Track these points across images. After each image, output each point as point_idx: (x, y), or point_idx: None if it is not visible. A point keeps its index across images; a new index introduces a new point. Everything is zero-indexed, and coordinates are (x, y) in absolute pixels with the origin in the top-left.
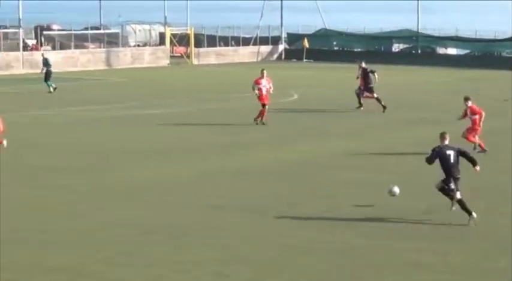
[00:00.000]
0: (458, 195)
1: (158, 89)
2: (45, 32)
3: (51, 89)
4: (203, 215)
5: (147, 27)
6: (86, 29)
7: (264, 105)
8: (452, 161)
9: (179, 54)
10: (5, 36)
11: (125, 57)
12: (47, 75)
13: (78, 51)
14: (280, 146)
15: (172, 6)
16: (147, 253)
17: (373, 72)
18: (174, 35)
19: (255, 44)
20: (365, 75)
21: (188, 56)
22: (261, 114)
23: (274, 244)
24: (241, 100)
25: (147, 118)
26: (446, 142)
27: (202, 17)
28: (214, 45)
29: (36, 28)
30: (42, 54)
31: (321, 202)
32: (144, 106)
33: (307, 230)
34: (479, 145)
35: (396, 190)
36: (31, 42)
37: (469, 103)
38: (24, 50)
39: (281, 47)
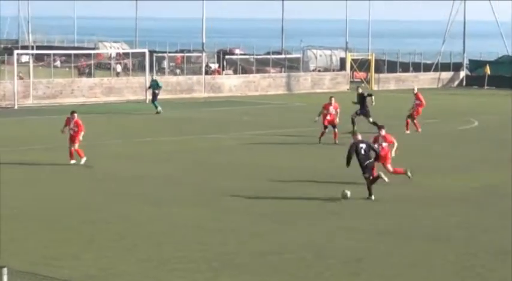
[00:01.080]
0: (365, 176)
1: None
2: (227, 56)
3: (159, 110)
4: (375, 241)
5: (327, 52)
6: (268, 53)
7: (325, 127)
8: (363, 152)
9: (359, 80)
10: (189, 60)
11: (305, 82)
12: (154, 97)
13: (259, 75)
14: (462, 173)
15: (353, 32)
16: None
17: (370, 95)
18: (354, 61)
19: (436, 70)
20: (361, 99)
21: (368, 82)
22: (322, 134)
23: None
24: (422, 127)
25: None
26: (359, 138)
27: (383, 43)
28: (395, 71)
29: (219, 52)
30: (152, 76)
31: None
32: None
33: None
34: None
35: (347, 192)
36: (213, 66)
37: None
38: (206, 73)
39: (462, 73)
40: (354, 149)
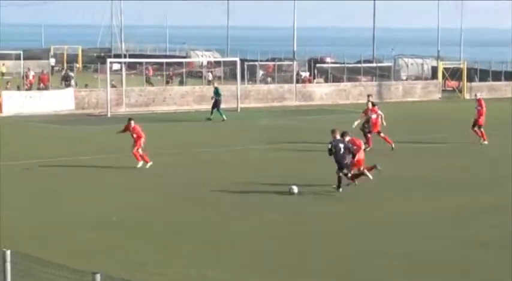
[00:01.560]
0: (343, 172)
1: (428, 123)
2: (318, 65)
3: (224, 117)
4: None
5: (419, 61)
6: (359, 62)
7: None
8: (341, 152)
9: (451, 89)
10: (280, 68)
11: (396, 91)
12: (217, 105)
13: (350, 84)
14: None
15: (445, 41)
16: None
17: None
18: (446, 69)
19: None
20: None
21: (460, 91)
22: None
23: None
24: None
25: (417, 150)
26: (338, 137)
27: (475, 52)
28: (487, 80)
29: (310, 61)
30: (213, 84)
31: None
32: (413, 139)
33: None
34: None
35: (294, 188)
36: (304, 74)
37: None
38: (297, 82)
39: None
40: (334, 148)
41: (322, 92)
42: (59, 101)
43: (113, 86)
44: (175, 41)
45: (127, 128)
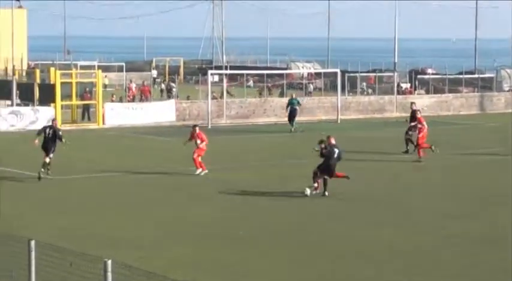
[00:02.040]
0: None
1: None
2: (419, 76)
3: (292, 129)
4: None
5: None
6: (460, 73)
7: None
8: (336, 156)
9: None
10: (380, 79)
11: (498, 102)
12: (294, 115)
13: (451, 95)
14: None
15: None
16: None
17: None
18: None
19: None
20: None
21: None
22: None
23: None
24: None
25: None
26: (334, 142)
27: None
28: None
29: (410, 72)
30: (292, 95)
31: None
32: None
33: None
34: None
35: (307, 190)
36: (405, 85)
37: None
38: (398, 93)
39: None
40: (329, 152)
41: (423, 103)
42: (161, 112)
43: (213, 97)
44: (276, 52)
45: (192, 136)
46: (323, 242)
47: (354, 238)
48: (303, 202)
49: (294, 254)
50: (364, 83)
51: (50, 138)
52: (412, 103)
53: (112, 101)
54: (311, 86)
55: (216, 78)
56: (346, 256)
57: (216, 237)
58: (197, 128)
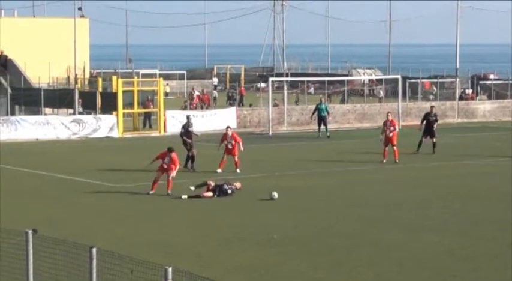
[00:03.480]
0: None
1: None
2: (481, 82)
3: (319, 135)
4: None
5: None
6: None
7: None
8: None
9: None
10: (442, 85)
11: None
12: (325, 121)
13: None
14: None
15: None
16: None
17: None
18: None
19: None
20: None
21: None
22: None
23: None
24: None
25: None
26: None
27: None
28: None
29: (472, 77)
30: (320, 99)
31: None
32: None
33: None
34: None
35: (275, 194)
36: (468, 91)
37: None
38: (460, 99)
39: None
40: None
41: (485, 109)
42: (222, 120)
43: (275, 105)
44: (337, 59)
45: (225, 138)
46: (361, 248)
47: (388, 242)
48: (366, 210)
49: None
50: (434, 88)
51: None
52: (431, 106)
53: (189, 107)
54: (381, 92)
55: (278, 85)
56: (383, 262)
57: (278, 244)
58: (229, 129)
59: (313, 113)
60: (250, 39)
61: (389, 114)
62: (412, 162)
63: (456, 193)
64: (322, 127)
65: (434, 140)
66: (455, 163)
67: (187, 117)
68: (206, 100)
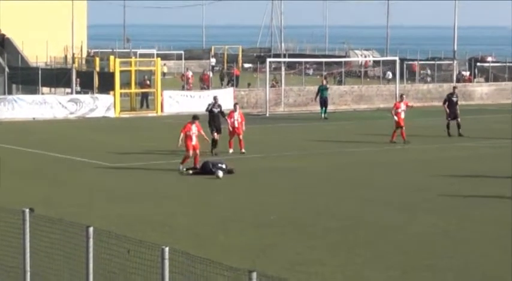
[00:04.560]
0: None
1: None
2: (478, 64)
3: (322, 116)
4: None
5: None
6: None
7: (400, 127)
8: None
9: None
10: (439, 67)
11: None
12: (326, 102)
13: (510, 83)
14: None
15: None
16: None
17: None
18: None
19: None
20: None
21: None
22: (393, 135)
23: None
24: None
25: None
26: None
27: None
28: None
29: (470, 60)
30: (322, 81)
31: None
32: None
33: None
34: None
35: (220, 173)
36: (465, 73)
37: None
38: (457, 81)
39: None
40: None
41: (482, 91)
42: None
43: (272, 85)
44: (334, 40)
45: (232, 115)
46: (358, 230)
47: (385, 224)
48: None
49: (321, 239)
50: (428, 71)
51: (215, 115)
52: (454, 87)
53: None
54: (390, 74)
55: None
56: (378, 243)
57: (276, 225)
58: (237, 106)
59: (317, 95)
60: (248, 20)
61: (404, 95)
62: (411, 144)
63: (456, 175)
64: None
65: (459, 120)
66: (454, 144)
67: (214, 97)
68: (206, 80)
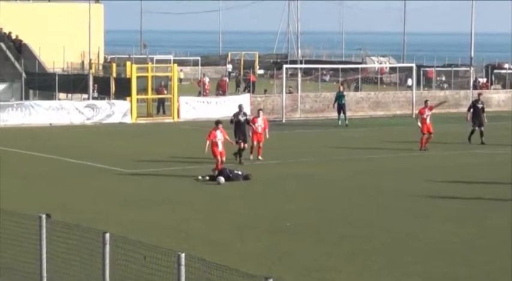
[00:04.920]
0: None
1: None
2: (495, 71)
3: (339, 123)
4: None
5: None
6: None
7: (429, 133)
8: None
9: None
10: (456, 74)
11: None
12: (344, 109)
13: None
14: None
15: None
16: None
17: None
18: None
19: None
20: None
21: None
22: (422, 142)
23: None
24: None
25: None
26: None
27: None
28: None
29: (487, 67)
30: (339, 88)
31: None
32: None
33: None
34: None
35: (221, 179)
36: (482, 80)
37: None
38: (474, 88)
39: None
40: None
41: (499, 98)
42: (235, 106)
43: (289, 92)
44: (351, 47)
45: (255, 120)
46: (374, 237)
47: (402, 231)
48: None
49: (338, 246)
50: (443, 77)
51: (242, 123)
52: (479, 94)
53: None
54: (410, 81)
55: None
56: (396, 250)
57: (292, 231)
58: (261, 112)
59: (335, 102)
60: (265, 26)
61: (428, 101)
62: (429, 151)
63: (474, 181)
64: (342, 115)
65: (482, 128)
66: (471, 151)
67: (239, 106)
68: (223, 86)
